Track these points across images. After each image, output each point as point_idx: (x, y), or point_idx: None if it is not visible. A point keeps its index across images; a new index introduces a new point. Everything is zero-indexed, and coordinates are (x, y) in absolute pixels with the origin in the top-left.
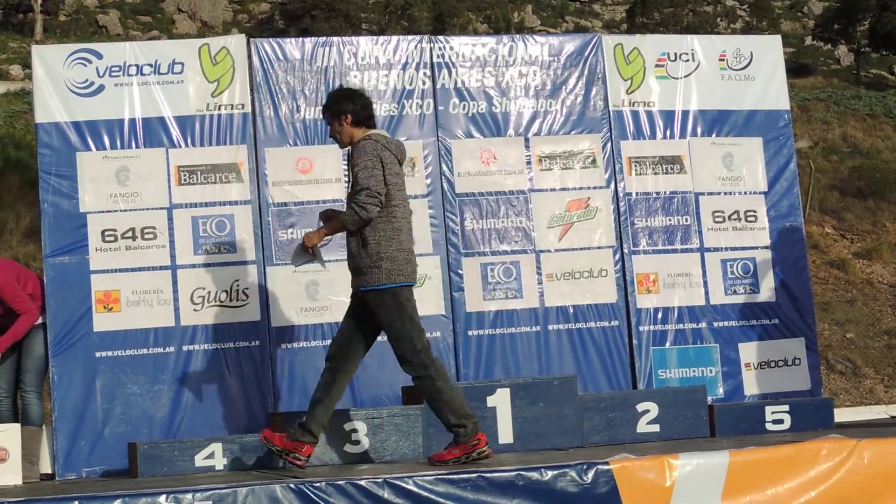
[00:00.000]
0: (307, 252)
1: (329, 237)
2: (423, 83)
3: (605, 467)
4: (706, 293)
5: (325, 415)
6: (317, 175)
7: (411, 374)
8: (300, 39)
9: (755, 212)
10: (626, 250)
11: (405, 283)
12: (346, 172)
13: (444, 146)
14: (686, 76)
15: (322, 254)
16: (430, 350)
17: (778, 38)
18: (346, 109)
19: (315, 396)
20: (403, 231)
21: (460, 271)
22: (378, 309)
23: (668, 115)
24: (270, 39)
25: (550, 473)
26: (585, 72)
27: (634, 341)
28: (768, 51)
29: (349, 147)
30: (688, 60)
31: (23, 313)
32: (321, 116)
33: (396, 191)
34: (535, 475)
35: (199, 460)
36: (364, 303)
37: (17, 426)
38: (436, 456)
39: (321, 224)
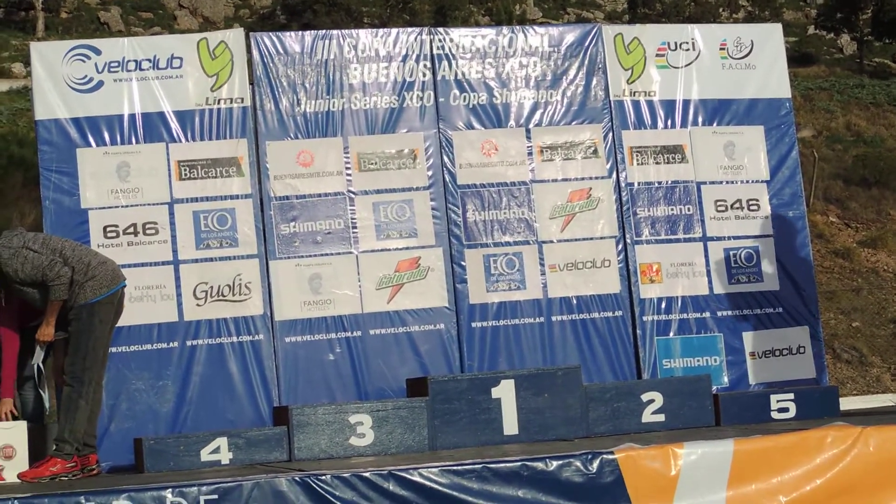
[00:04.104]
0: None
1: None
2: (424, 75)
3: (611, 457)
4: (709, 282)
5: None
6: (318, 168)
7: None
8: (300, 33)
9: (757, 200)
10: (628, 240)
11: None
12: (349, 170)
13: (445, 138)
14: (687, 65)
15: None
16: None
17: (778, 27)
18: None
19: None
20: None
21: (463, 263)
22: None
23: (669, 105)
24: (270, 33)
25: (555, 463)
26: (586, 62)
27: (638, 331)
28: (769, 39)
29: None
30: (688, 50)
31: None
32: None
33: None
34: (540, 465)
35: (205, 455)
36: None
37: (24, 423)
38: (29, 473)
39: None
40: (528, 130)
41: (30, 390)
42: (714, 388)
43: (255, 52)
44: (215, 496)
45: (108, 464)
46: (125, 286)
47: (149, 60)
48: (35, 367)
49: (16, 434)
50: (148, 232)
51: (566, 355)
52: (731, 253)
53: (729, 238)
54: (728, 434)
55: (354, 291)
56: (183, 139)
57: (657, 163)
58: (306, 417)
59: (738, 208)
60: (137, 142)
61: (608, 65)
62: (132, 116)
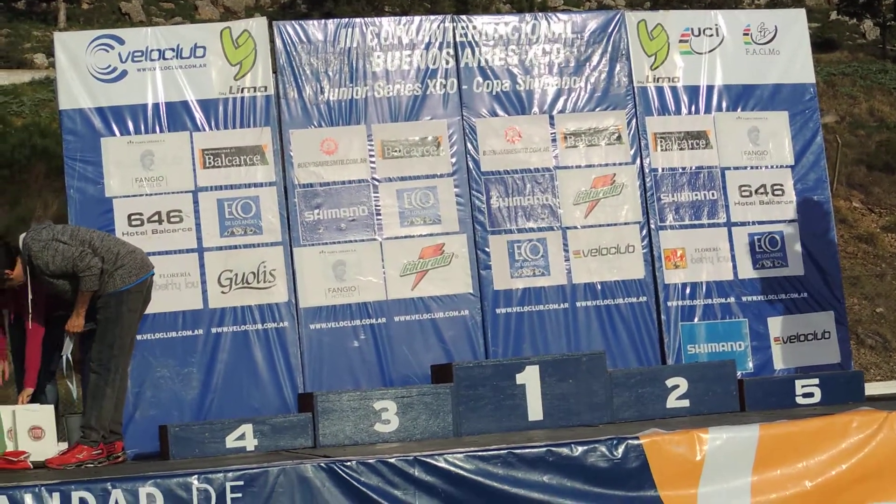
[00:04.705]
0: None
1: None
2: (447, 62)
3: (636, 442)
4: (734, 267)
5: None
6: (342, 156)
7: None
8: (322, 21)
9: (782, 185)
10: (652, 226)
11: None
12: (372, 157)
13: (469, 125)
14: (710, 51)
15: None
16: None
17: (802, 12)
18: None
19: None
20: None
21: (487, 249)
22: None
23: (693, 91)
24: (293, 21)
25: (581, 449)
26: (609, 48)
27: (663, 317)
28: (793, 24)
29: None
30: (712, 35)
31: None
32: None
33: None
34: (565, 451)
35: (230, 441)
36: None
37: (51, 406)
38: (56, 460)
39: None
40: (551, 117)
41: (47, 382)
42: (739, 373)
43: (278, 41)
44: (241, 482)
45: (133, 451)
46: (154, 275)
47: (172, 50)
48: (64, 357)
49: (44, 416)
50: (172, 220)
51: (590, 341)
52: (756, 238)
53: (753, 223)
54: (753, 419)
55: (379, 278)
56: (207, 128)
57: (681, 148)
58: (331, 404)
59: (762, 193)
60: (161, 131)
61: (631, 51)
62: (156, 105)
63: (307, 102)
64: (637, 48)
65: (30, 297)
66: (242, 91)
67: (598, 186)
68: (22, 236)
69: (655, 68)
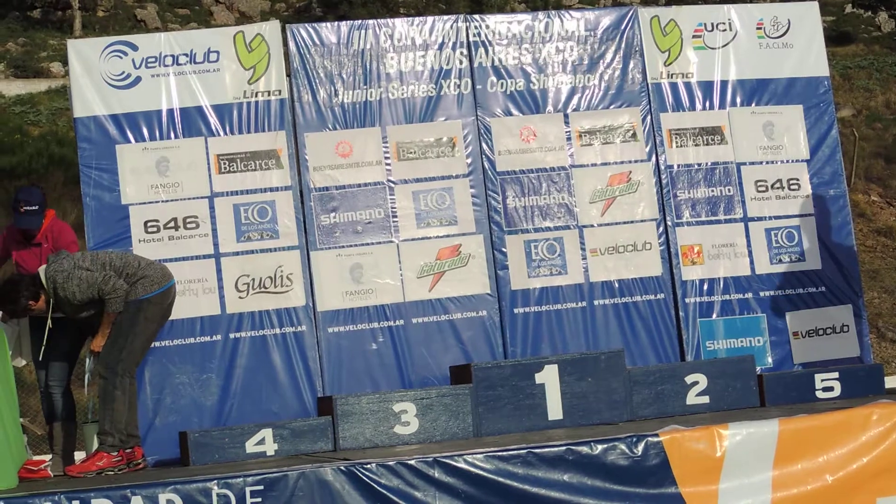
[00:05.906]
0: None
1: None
2: (461, 62)
3: (655, 439)
4: (751, 263)
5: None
6: (357, 158)
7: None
8: (336, 23)
9: (798, 180)
10: (669, 223)
11: None
12: (388, 159)
13: (484, 125)
14: (724, 46)
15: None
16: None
17: (815, 5)
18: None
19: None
20: None
21: (504, 249)
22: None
23: (707, 86)
24: (306, 24)
25: (600, 447)
26: (622, 45)
27: (681, 313)
28: (805, 17)
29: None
30: (725, 30)
31: None
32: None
33: None
34: (585, 449)
35: (250, 447)
36: None
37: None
38: (76, 468)
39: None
40: (566, 115)
41: (58, 391)
42: (758, 368)
43: (291, 44)
44: (261, 487)
45: (153, 458)
46: (174, 284)
47: (186, 55)
48: (87, 376)
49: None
50: (189, 226)
51: (609, 339)
52: (773, 233)
53: (770, 218)
54: (773, 414)
55: (396, 280)
56: (221, 133)
57: (696, 144)
58: (350, 407)
59: (778, 188)
60: (176, 137)
61: (645, 47)
62: (170, 111)
63: (321, 105)
64: (650, 44)
65: (49, 325)
66: (256, 95)
67: (613, 184)
68: (42, 269)
69: (669, 64)
